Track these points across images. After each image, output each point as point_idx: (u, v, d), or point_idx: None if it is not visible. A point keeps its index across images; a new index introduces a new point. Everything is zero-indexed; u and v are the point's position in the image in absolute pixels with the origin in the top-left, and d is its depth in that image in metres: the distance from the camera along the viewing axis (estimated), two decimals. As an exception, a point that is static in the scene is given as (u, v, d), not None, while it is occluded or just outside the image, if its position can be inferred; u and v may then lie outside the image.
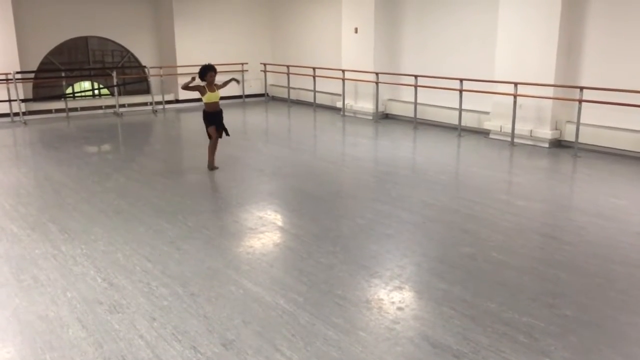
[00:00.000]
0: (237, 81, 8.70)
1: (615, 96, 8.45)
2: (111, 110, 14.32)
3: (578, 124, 8.90)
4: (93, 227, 5.84)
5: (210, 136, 8.11)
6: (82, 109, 14.51)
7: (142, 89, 15.67)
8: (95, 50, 15.57)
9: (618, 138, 8.85)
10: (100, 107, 14.69)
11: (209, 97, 7.99)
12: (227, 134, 8.20)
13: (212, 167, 8.18)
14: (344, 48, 13.54)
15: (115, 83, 14.28)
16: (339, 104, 13.85)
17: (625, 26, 8.79)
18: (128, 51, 15.54)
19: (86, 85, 16.16)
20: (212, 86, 8.02)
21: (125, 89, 15.64)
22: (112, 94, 15.00)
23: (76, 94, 15.33)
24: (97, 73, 15.69)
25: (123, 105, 14.59)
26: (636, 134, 8.57)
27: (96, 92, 15.97)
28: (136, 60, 15.66)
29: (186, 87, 7.77)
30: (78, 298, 4.23)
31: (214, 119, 8.07)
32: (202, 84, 7.98)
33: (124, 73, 15.66)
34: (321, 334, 3.69)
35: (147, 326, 3.81)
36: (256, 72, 16.41)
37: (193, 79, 7.88)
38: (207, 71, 7.90)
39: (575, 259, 4.98)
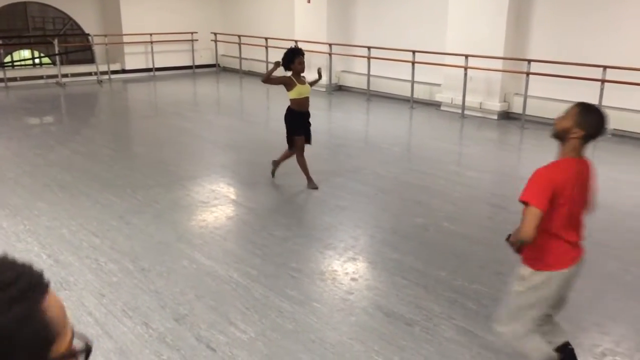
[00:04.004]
0: (320, 73, 6.32)
1: (561, 69, 8.68)
2: (53, 81, 13.67)
3: (525, 96, 9.12)
4: (36, 202, 5.61)
5: (292, 145, 5.99)
6: (22, 78, 13.79)
7: (85, 58, 15.00)
8: (35, 17, 14.78)
9: (563, 110, 9.12)
10: (41, 77, 14.00)
11: (299, 91, 5.82)
12: (309, 142, 6.08)
13: (312, 185, 6.07)
14: (296, 18, 13.33)
15: (57, 52, 13.62)
16: (292, 75, 13.68)
17: (570, 1, 9.00)
18: (70, 18, 14.81)
19: (26, 54, 15.37)
20: (301, 77, 5.89)
21: (68, 58, 14.95)
22: (53, 63, 14.32)
23: (15, 63, 14.56)
24: (38, 41, 14.92)
25: (66, 75, 13.95)
26: (580, 107, 8.85)
27: (37, 61, 15.21)
28: (79, 27, 14.96)
29: (268, 79, 5.84)
30: (22, 276, 4.06)
31: (304, 123, 5.95)
32: (288, 74, 5.89)
33: (66, 41, 14.95)
34: (275, 306, 3.69)
35: (96, 303, 3.71)
36: (206, 42, 15.98)
37: (277, 64, 5.84)
38: (294, 56, 5.75)
39: (522, 228, 5.14)
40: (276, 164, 6.30)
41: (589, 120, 2.58)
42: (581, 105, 2.67)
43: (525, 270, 2.68)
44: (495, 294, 3.87)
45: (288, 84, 5.81)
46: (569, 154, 2.61)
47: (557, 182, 2.52)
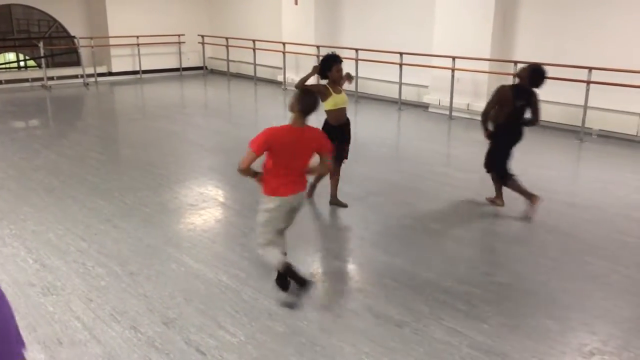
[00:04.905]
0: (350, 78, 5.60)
1: (547, 70, 8.73)
2: (39, 84, 13.55)
3: (512, 97, 9.18)
4: (22, 206, 5.55)
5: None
6: (7, 82, 13.65)
7: (71, 60, 14.89)
8: (19, 20, 14.63)
9: (548, 111, 9.17)
10: (26, 80, 13.86)
11: (335, 101, 5.26)
12: (345, 157, 5.53)
13: (335, 201, 5.65)
14: (284, 20, 13.33)
15: (42, 54, 13.51)
16: (280, 78, 13.68)
17: (556, 3, 9.09)
18: (55, 20, 14.69)
19: (10, 56, 15.22)
20: (338, 86, 5.35)
21: (54, 60, 14.84)
22: (39, 66, 14.19)
23: (0, 66, 14.41)
24: (23, 44, 14.79)
25: (52, 78, 13.82)
26: (565, 107, 8.94)
27: (22, 64, 15.07)
28: (64, 30, 14.84)
29: (302, 86, 5.14)
30: (8, 280, 4.01)
31: (342, 137, 5.30)
32: (324, 82, 5.38)
33: (51, 44, 14.82)
34: (265, 309, 3.68)
35: (84, 307, 3.67)
36: (194, 44, 15.92)
37: (315, 69, 5.34)
38: (331, 63, 5.25)
39: (510, 229, 5.18)
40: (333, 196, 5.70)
41: (303, 101, 3.63)
42: (302, 90, 3.86)
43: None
44: (484, 295, 3.89)
45: (323, 94, 5.16)
46: (295, 123, 3.68)
47: (272, 139, 3.61)
